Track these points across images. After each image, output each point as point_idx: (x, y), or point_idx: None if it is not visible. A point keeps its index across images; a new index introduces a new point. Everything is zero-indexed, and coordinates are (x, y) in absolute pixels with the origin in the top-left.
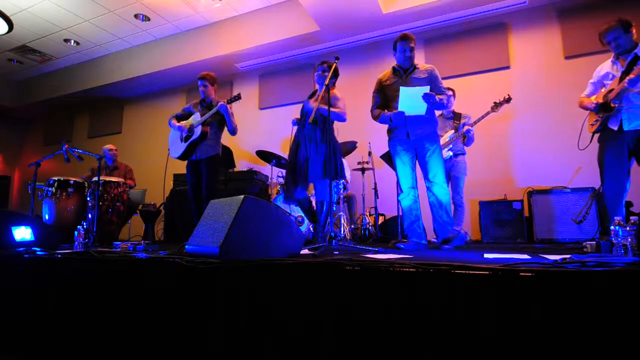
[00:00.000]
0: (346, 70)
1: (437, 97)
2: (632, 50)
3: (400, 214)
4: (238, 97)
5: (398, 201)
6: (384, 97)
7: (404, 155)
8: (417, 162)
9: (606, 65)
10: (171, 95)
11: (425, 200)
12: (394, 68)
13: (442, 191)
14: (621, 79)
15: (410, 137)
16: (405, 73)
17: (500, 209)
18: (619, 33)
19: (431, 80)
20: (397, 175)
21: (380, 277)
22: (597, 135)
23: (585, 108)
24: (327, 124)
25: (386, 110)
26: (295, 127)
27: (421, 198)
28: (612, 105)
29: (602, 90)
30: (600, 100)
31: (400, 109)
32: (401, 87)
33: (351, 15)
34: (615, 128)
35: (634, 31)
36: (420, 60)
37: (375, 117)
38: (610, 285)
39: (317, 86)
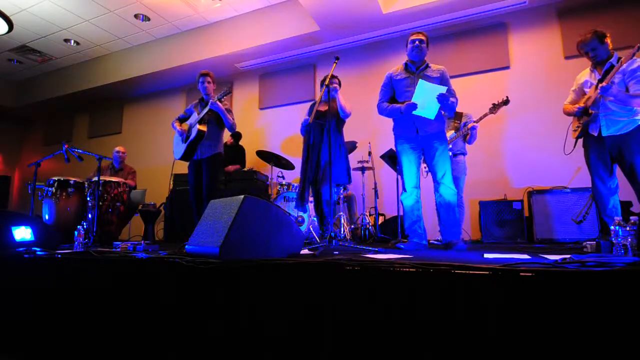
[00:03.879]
0: (346, 70)
1: (450, 100)
2: (608, 60)
3: (401, 213)
4: (228, 92)
5: (400, 201)
6: (393, 92)
7: (410, 153)
8: (422, 162)
9: (585, 74)
10: (171, 95)
11: (428, 200)
12: (405, 63)
13: (450, 192)
14: (596, 87)
15: (419, 134)
16: (417, 69)
17: (500, 209)
18: (595, 44)
19: (442, 81)
20: (401, 173)
21: (380, 277)
22: (581, 140)
23: (569, 114)
24: (339, 127)
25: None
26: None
27: (425, 198)
28: (590, 111)
29: (583, 97)
30: (582, 105)
31: (414, 100)
32: (420, 80)
33: (351, 15)
34: (595, 134)
35: (608, 41)
36: None
37: (383, 110)
38: (610, 285)
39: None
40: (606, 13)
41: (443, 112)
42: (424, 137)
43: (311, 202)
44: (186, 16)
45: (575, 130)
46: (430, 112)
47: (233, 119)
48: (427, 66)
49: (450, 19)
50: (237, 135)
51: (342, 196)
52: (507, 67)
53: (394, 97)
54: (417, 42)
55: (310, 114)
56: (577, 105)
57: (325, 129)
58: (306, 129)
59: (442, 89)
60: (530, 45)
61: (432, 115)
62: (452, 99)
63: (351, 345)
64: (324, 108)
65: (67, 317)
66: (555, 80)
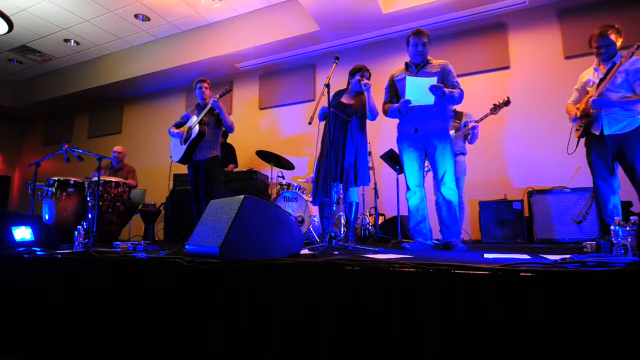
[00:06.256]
0: (346, 70)
1: (447, 90)
2: (612, 58)
3: (401, 213)
4: (228, 90)
5: (405, 199)
6: (395, 93)
7: (411, 152)
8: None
9: (588, 72)
10: (171, 95)
11: (428, 199)
12: (406, 63)
13: (450, 192)
14: (598, 86)
15: (419, 132)
16: (416, 68)
17: (500, 209)
18: (611, 41)
19: (444, 74)
20: (403, 172)
21: (380, 277)
22: (584, 140)
23: (570, 117)
24: (363, 126)
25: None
26: (324, 123)
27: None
28: (591, 111)
29: (585, 96)
30: (581, 110)
31: (407, 97)
32: (407, 77)
33: (351, 15)
34: (597, 133)
35: (620, 40)
36: None
37: (385, 112)
38: (610, 285)
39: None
40: (606, 13)
41: (452, 107)
42: (423, 136)
43: (316, 203)
44: (186, 16)
45: (577, 130)
46: (427, 100)
47: (230, 119)
48: (428, 63)
49: (450, 19)
50: (225, 134)
51: (341, 196)
52: (507, 67)
53: (396, 97)
54: (420, 46)
55: (335, 102)
56: (576, 109)
57: (349, 128)
58: (324, 116)
59: (432, 80)
60: (530, 45)
61: (431, 101)
62: (449, 90)
63: (351, 346)
64: (349, 102)
65: (67, 317)
66: (555, 80)
